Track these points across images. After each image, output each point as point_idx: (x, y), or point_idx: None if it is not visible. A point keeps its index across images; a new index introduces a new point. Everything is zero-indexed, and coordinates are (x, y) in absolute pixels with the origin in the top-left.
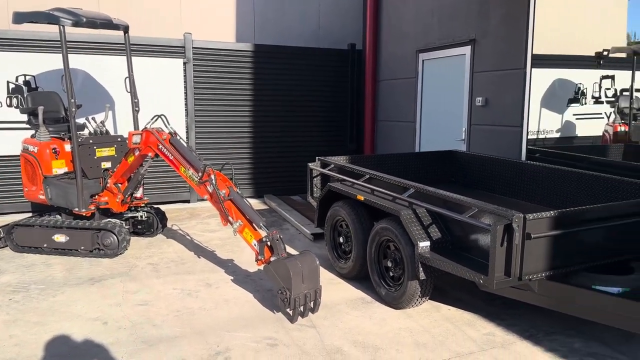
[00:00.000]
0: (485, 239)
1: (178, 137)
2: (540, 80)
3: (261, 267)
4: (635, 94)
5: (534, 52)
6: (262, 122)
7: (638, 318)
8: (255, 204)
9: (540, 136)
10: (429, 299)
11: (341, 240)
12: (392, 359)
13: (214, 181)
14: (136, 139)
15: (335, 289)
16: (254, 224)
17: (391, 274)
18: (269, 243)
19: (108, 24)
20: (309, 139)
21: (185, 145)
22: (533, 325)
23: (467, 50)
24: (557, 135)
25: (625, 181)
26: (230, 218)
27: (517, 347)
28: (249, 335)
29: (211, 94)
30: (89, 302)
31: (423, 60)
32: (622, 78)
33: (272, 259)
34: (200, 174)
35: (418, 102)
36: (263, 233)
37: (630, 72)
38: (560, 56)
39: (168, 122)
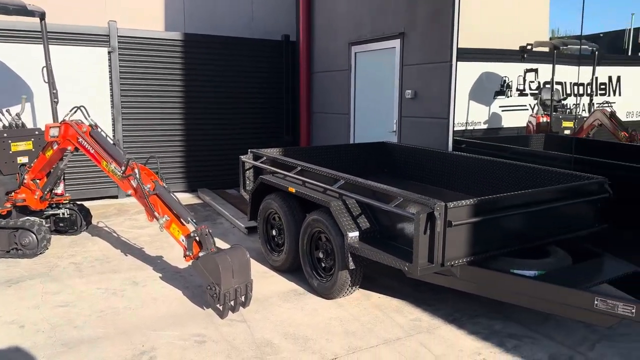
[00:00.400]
0: (411, 228)
1: (99, 130)
2: (468, 73)
3: (190, 263)
4: (556, 86)
5: (460, 46)
6: (194, 114)
7: (551, 299)
8: (189, 198)
9: (469, 127)
10: (360, 287)
11: (274, 233)
12: (322, 349)
13: (137, 175)
14: (54, 131)
15: (268, 282)
16: (181, 219)
17: (323, 265)
18: (197, 238)
19: (22, 10)
20: (244, 131)
21: (106, 138)
22: (457, 309)
23: (397, 43)
24: (485, 126)
25: (544, 170)
26: (156, 213)
27: (442, 331)
28: (177, 333)
29: (139, 84)
30: (4, 305)
31: (355, 53)
32: (546, 71)
33: (200, 254)
34: (123, 168)
35: (351, 95)
36: (191, 228)
37: (556, 65)
38: (487, 50)
39: (88, 114)
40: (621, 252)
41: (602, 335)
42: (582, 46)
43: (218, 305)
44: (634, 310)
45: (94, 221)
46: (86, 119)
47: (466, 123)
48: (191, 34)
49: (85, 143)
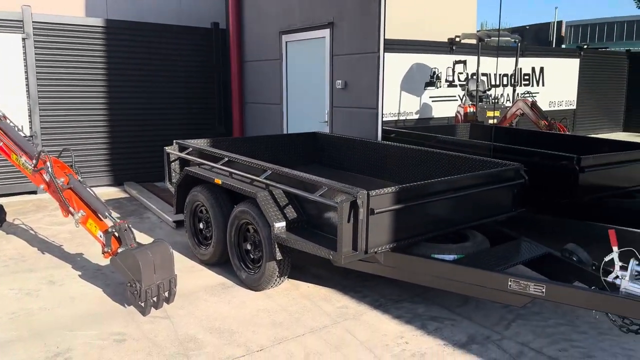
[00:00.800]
0: (336, 217)
1: (8, 121)
2: (399, 64)
3: (109, 260)
4: (482, 77)
5: (390, 37)
6: (119, 104)
7: (469, 282)
8: (115, 192)
9: (402, 117)
10: (290, 278)
11: (201, 226)
12: (248, 341)
13: (50, 169)
14: None
15: (195, 277)
16: (98, 214)
17: (251, 257)
18: (116, 234)
19: None
20: (175, 122)
21: (16, 129)
22: (383, 295)
23: (326, 33)
24: (416, 116)
25: (465, 157)
26: (71, 209)
27: (367, 317)
28: (95, 333)
29: (58, 73)
30: None
31: (286, 42)
32: (474, 63)
33: (119, 250)
34: (34, 161)
35: (284, 84)
36: (109, 223)
37: (483, 57)
38: (417, 42)
39: None
40: (537, 236)
41: (517, 315)
42: (506, 38)
43: (140, 303)
44: (544, 290)
45: (9, 218)
46: None
47: (398, 113)
48: (114, 20)
49: None
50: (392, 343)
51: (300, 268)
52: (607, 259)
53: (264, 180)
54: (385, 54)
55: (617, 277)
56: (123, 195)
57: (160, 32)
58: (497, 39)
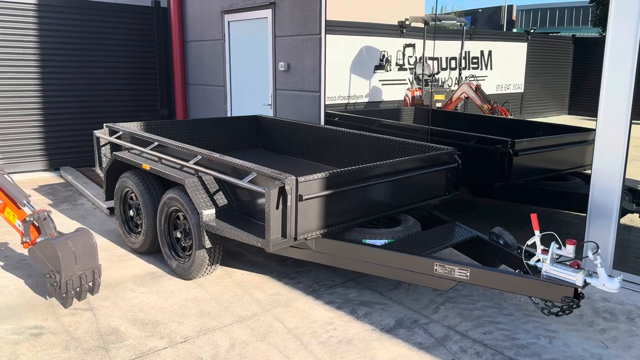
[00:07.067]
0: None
1: None
2: (349, 47)
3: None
4: (431, 61)
5: (339, 19)
6: (56, 86)
7: (397, 266)
8: (50, 177)
9: (351, 101)
10: (225, 265)
11: (132, 213)
12: (172, 332)
13: None
14: None
15: (124, 266)
16: (17, 202)
17: (182, 245)
18: (35, 223)
19: None
20: (116, 105)
21: None
22: (317, 281)
23: (268, 13)
24: (366, 100)
25: (402, 141)
26: None
27: (299, 304)
28: (10, 327)
29: None
30: None
31: (229, 22)
32: (427, 46)
33: (38, 240)
34: None
35: (227, 66)
36: (27, 212)
37: (430, 40)
38: (367, 24)
39: None
40: (472, 219)
41: (446, 298)
42: (451, 22)
43: (63, 294)
44: (468, 274)
45: None
46: None
47: (348, 96)
48: None
49: None
50: (320, 330)
51: (236, 255)
52: (529, 242)
53: (193, 166)
54: (334, 36)
55: (538, 260)
56: (59, 180)
57: (99, 11)
58: (445, 22)
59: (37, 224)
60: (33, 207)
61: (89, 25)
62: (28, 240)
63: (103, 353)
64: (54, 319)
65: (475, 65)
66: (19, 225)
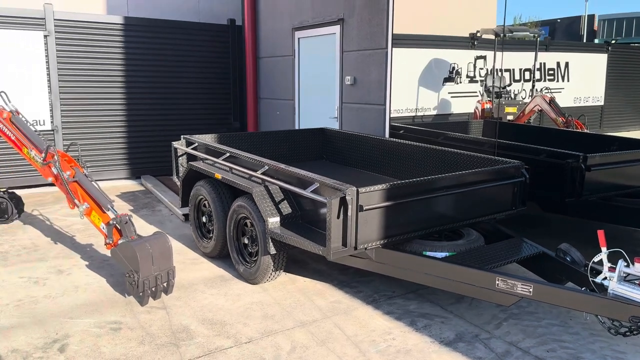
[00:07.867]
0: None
1: (20, 116)
2: (418, 60)
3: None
4: (503, 73)
5: (408, 33)
6: (137, 100)
7: (457, 280)
8: (131, 185)
9: (419, 113)
10: (288, 272)
11: (204, 219)
12: (238, 333)
13: (57, 162)
14: None
15: (196, 269)
16: (101, 207)
17: (249, 251)
18: (117, 226)
19: None
20: (191, 117)
21: (28, 124)
22: (377, 291)
23: (337, 29)
24: (434, 112)
25: (467, 154)
26: (76, 201)
27: (359, 313)
28: (93, 321)
29: (78, 69)
30: None
31: (299, 39)
32: (499, 58)
33: (120, 242)
34: (43, 155)
35: (296, 80)
36: (111, 215)
37: (501, 52)
38: (436, 37)
39: (9, 100)
40: (539, 235)
41: (510, 314)
42: (524, 33)
43: (139, 293)
44: (531, 289)
45: (28, 209)
46: (7, 104)
47: (416, 109)
48: (133, 18)
49: (6, 129)
50: (378, 339)
51: (300, 262)
52: (596, 259)
53: (260, 176)
54: (402, 49)
55: (605, 278)
56: (139, 188)
57: (179, 29)
58: (517, 34)
59: (119, 227)
60: (116, 212)
61: (170, 42)
62: (111, 242)
63: (174, 349)
64: (132, 315)
65: (551, 77)
66: (103, 228)
